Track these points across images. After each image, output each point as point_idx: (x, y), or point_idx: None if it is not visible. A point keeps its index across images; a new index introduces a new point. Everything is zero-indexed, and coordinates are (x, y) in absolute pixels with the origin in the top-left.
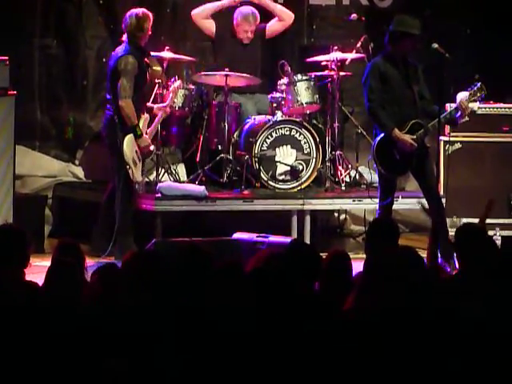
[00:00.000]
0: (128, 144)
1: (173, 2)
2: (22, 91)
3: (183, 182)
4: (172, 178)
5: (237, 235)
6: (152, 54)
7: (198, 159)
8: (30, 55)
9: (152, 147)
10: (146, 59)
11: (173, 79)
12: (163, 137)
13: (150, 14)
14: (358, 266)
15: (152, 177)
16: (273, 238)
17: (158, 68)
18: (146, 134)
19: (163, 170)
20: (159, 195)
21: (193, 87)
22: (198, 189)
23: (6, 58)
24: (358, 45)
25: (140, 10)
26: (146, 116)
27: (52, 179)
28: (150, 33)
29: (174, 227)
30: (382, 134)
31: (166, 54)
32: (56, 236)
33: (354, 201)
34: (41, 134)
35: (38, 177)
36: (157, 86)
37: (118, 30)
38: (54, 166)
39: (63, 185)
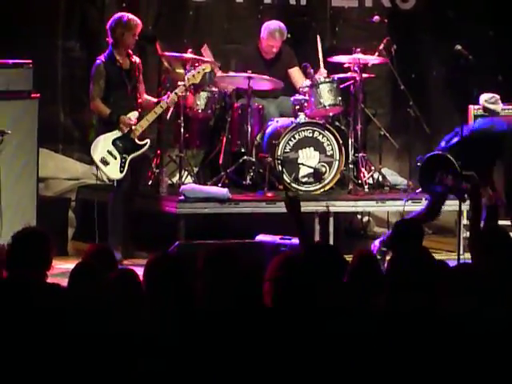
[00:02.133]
0: (95, 146)
1: (196, 5)
2: (45, 94)
3: (206, 184)
4: (195, 180)
5: (260, 237)
6: (174, 55)
7: (220, 161)
8: (53, 58)
9: (142, 139)
10: (120, 62)
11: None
12: (186, 139)
13: (135, 24)
14: None
15: (175, 179)
16: (296, 240)
17: (181, 70)
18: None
19: (186, 173)
20: (182, 198)
21: (215, 90)
22: (222, 191)
23: (30, 60)
24: (381, 47)
25: (126, 15)
26: (133, 113)
27: (75, 182)
28: (127, 42)
29: (197, 230)
30: None
31: (189, 56)
32: (79, 239)
33: (377, 203)
34: (64, 137)
35: (62, 179)
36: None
37: (144, 32)
38: (77, 169)
39: (86, 187)
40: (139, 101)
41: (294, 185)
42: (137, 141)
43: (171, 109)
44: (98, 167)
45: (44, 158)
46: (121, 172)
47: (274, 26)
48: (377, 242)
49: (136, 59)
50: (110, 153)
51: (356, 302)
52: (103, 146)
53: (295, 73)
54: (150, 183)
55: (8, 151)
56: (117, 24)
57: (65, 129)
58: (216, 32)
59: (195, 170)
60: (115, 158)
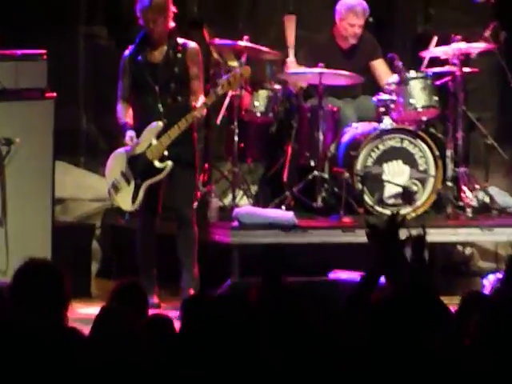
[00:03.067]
0: (110, 164)
1: None
2: (63, 93)
3: (266, 207)
4: (252, 201)
5: (334, 274)
6: (226, 43)
7: (284, 178)
8: (73, 47)
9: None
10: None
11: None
12: (241, 149)
13: (155, 3)
14: None
15: (227, 200)
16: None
17: (235, 63)
18: (151, 144)
19: (241, 192)
20: (236, 224)
21: (278, 87)
22: (286, 216)
23: (43, 51)
24: (487, 34)
25: None
26: (155, 124)
27: (101, 203)
28: (150, 27)
29: (255, 264)
30: None
31: (245, 44)
32: (106, 276)
33: (482, 230)
34: (87, 147)
35: (84, 200)
36: None
37: (188, 14)
38: (104, 187)
39: (115, 211)
40: (190, 104)
41: (377, 207)
42: (155, 163)
43: (222, 112)
44: (108, 188)
45: (62, 173)
46: (133, 203)
47: (352, 1)
48: (491, 278)
49: (180, 50)
50: (123, 175)
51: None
52: (117, 164)
53: (379, 65)
54: (195, 205)
55: (16, 165)
56: (137, 5)
57: (88, 137)
58: (280, 15)
59: (253, 188)
60: (128, 184)
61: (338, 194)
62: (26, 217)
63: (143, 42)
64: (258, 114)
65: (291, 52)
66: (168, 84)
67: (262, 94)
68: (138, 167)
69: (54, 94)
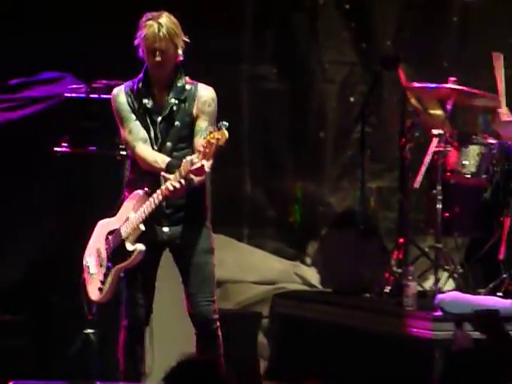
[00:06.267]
0: (94, 232)
1: (462, 6)
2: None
3: (478, 293)
4: (460, 286)
5: None
6: (428, 86)
7: (501, 256)
8: (235, 91)
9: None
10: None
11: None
12: (446, 220)
13: (147, 22)
14: None
15: (428, 284)
16: None
17: (439, 112)
18: (128, 218)
19: (446, 274)
20: (439, 313)
21: (494, 142)
22: (503, 304)
23: None
24: None
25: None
26: (136, 193)
27: (269, 287)
28: (141, 54)
29: (467, 367)
30: None
31: (451, 88)
32: (277, 378)
33: None
34: (251, 216)
35: (247, 283)
36: (435, 140)
37: (371, 52)
38: (273, 267)
39: (287, 296)
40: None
41: None
42: (127, 244)
43: (422, 173)
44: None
45: (220, 249)
46: (99, 292)
47: None
48: None
49: (186, 98)
50: (98, 254)
51: None
52: (97, 238)
53: None
54: (387, 290)
55: None
56: (138, 30)
57: (253, 203)
58: (497, 48)
59: (460, 269)
60: (100, 266)
61: None
62: (175, 302)
63: (143, 83)
64: (468, 176)
65: (502, 100)
66: (164, 143)
67: (473, 150)
68: (114, 246)
69: None
